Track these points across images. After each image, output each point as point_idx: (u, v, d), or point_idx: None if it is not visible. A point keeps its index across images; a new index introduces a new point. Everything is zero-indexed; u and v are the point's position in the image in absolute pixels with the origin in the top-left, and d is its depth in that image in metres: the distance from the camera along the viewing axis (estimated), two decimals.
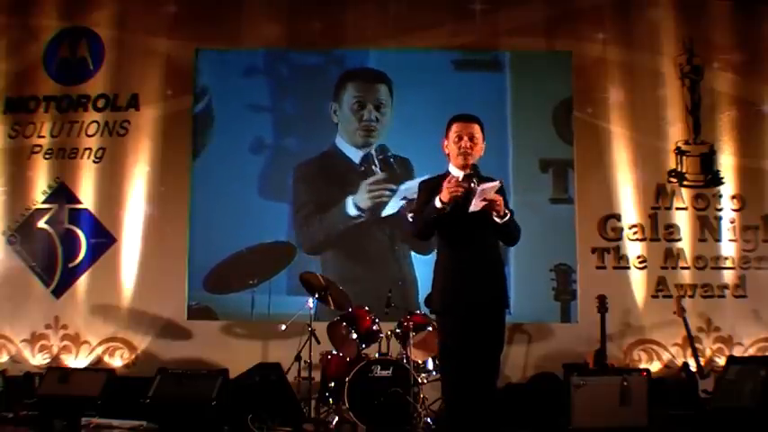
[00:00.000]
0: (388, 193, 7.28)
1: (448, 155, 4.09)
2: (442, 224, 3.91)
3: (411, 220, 4.03)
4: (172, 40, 7.50)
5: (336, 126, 7.42)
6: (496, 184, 3.86)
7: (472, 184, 3.82)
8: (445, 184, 3.79)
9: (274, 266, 7.21)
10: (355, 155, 7.37)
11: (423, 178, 4.20)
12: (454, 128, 4.03)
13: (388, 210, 7.29)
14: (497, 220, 3.87)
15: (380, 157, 7.35)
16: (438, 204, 3.80)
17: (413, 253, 7.22)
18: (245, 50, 7.51)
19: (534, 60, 7.50)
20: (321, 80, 7.47)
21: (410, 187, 7.16)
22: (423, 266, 7.08)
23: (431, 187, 4.00)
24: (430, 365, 6.14)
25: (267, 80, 7.51)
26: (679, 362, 7.00)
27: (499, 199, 3.85)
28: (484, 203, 3.80)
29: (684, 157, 7.40)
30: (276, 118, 7.46)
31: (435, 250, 4.18)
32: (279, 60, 7.51)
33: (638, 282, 7.26)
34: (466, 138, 3.97)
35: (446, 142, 4.09)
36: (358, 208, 7.29)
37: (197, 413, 5.75)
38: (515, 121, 7.39)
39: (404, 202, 7.24)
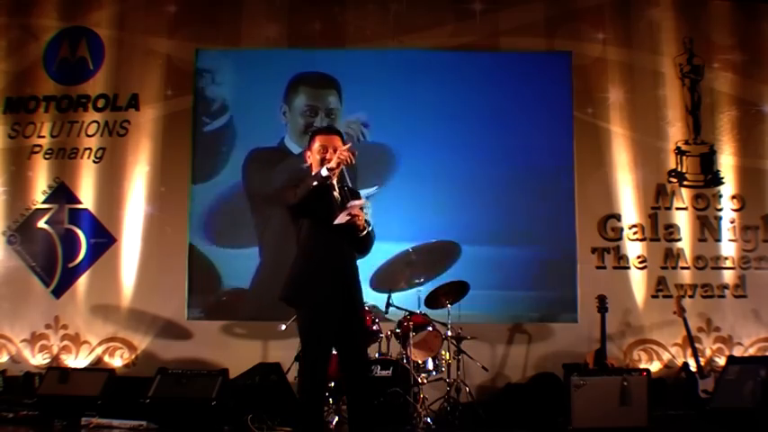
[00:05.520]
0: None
1: (310, 165, 4.33)
2: (310, 228, 4.22)
3: (290, 199, 4.25)
4: (172, 40, 7.51)
5: (285, 126, 7.45)
6: (363, 201, 4.28)
7: (348, 203, 4.18)
8: (337, 154, 4.08)
9: (440, 265, 7.20)
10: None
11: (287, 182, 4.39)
12: (318, 140, 4.32)
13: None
14: (358, 233, 4.24)
15: None
16: (324, 172, 4.06)
17: None
18: (246, 50, 7.52)
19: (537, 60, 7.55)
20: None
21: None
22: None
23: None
24: (430, 365, 6.15)
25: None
26: (679, 362, 7.01)
27: (362, 215, 4.23)
28: (348, 218, 4.15)
29: (684, 157, 7.40)
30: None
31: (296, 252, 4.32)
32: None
33: (638, 282, 7.27)
34: (331, 150, 4.24)
35: (309, 153, 4.37)
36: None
37: (197, 413, 5.75)
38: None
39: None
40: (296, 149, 7.37)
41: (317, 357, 4.17)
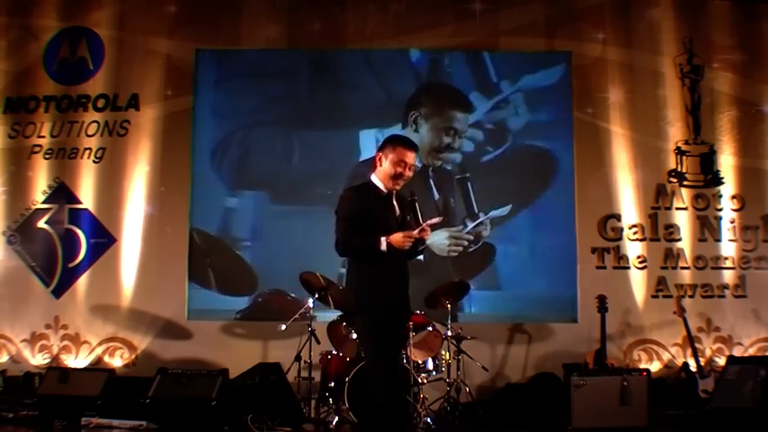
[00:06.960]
0: None
1: (376, 166, 4.41)
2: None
3: (341, 228, 4.34)
4: (172, 40, 7.50)
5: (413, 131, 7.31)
6: (439, 219, 4.46)
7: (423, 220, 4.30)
8: (405, 238, 4.19)
9: (476, 267, 7.24)
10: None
11: (348, 186, 4.50)
12: (400, 152, 4.35)
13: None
14: (419, 246, 4.37)
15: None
16: (383, 247, 4.20)
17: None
18: (246, 50, 7.52)
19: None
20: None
21: (493, 216, 7.23)
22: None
23: (360, 197, 4.35)
24: (430, 365, 6.13)
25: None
26: (679, 362, 7.01)
27: (429, 232, 4.29)
28: (420, 233, 4.25)
29: (684, 157, 7.40)
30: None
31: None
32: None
33: (638, 282, 7.27)
34: (409, 169, 4.36)
35: (381, 155, 4.39)
36: None
37: (197, 413, 5.75)
38: None
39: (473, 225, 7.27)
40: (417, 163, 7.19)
41: (384, 359, 4.24)
